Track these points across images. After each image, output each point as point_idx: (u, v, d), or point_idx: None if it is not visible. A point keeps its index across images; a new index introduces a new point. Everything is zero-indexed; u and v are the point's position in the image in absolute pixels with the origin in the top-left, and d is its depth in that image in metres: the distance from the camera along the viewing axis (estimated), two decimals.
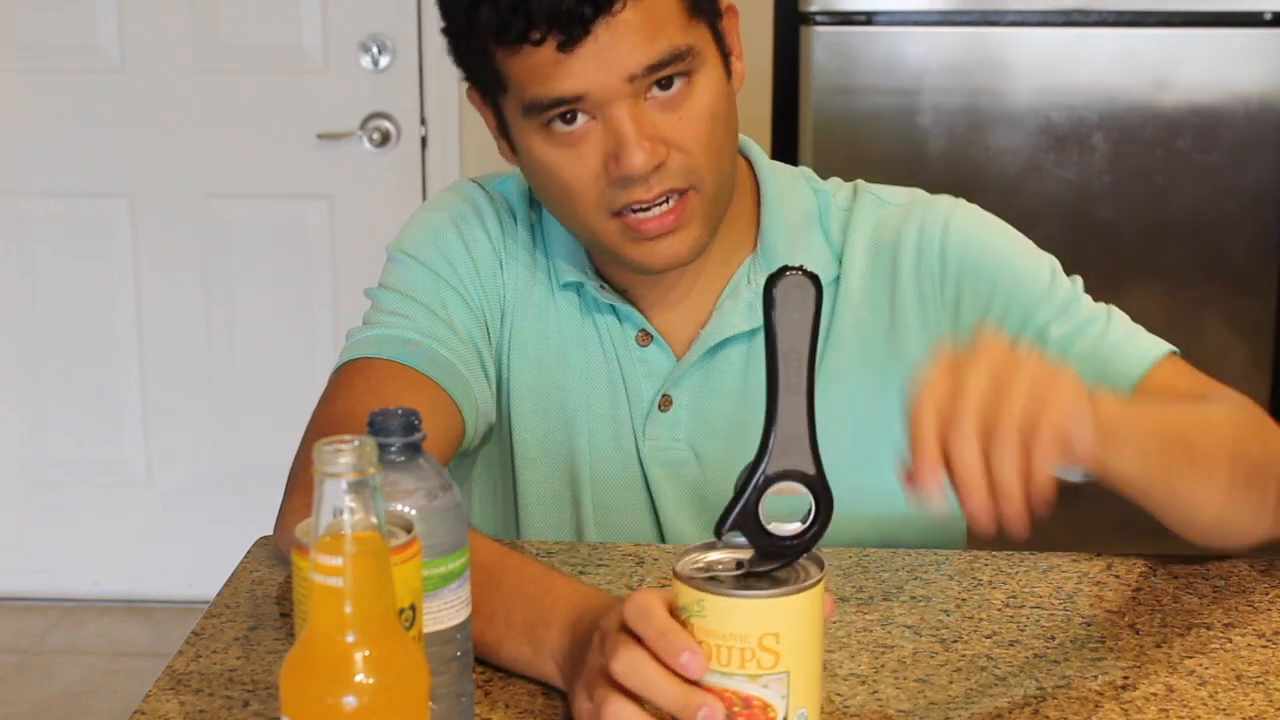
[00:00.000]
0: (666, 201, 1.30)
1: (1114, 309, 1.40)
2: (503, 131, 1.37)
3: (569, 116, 1.28)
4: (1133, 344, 1.36)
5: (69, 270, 3.30)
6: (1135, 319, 1.42)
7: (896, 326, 1.40)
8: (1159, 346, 1.36)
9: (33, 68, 3.20)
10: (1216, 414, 1.26)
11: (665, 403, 1.43)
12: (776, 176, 1.45)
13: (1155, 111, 2.76)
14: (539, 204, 1.46)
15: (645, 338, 1.43)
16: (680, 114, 1.29)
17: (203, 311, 3.30)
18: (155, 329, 3.31)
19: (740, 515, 0.93)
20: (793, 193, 1.45)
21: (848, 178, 1.49)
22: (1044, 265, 1.40)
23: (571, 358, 1.44)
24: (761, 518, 0.93)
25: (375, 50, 3.16)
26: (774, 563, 0.94)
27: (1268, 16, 2.73)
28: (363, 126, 3.18)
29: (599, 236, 1.34)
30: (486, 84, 1.34)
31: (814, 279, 0.94)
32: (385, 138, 3.18)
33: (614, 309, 1.43)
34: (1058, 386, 1.00)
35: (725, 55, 1.34)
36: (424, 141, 3.20)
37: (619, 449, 1.44)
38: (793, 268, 0.94)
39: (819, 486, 0.94)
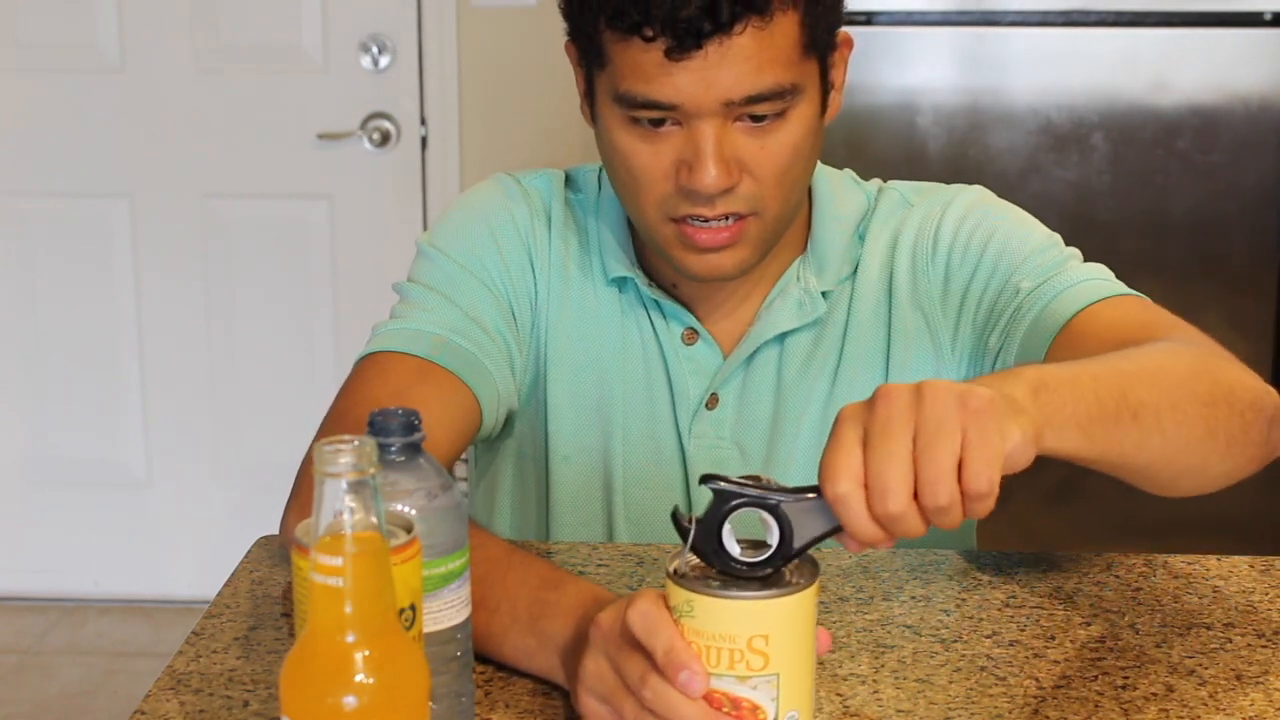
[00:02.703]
0: (725, 219, 1.31)
1: (1097, 265, 1.38)
2: (588, 96, 1.37)
3: (656, 120, 1.28)
4: (1087, 286, 1.33)
5: (69, 270, 3.30)
6: None
7: (897, 305, 1.41)
8: (1119, 289, 1.33)
9: (33, 68, 3.20)
10: (1159, 359, 1.16)
11: (712, 401, 1.43)
12: (828, 179, 1.45)
13: (1155, 111, 2.76)
14: (585, 199, 1.46)
15: (692, 335, 1.43)
16: (764, 143, 1.29)
17: (203, 311, 3.30)
18: (155, 329, 3.31)
19: (704, 528, 0.93)
20: (843, 193, 1.45)
21: None
22: (1038, 233, 1.40)
23: (609, 355, 1.44)
24: (725, 533, 0.93)
25: (375, 50, 3.16)
26: (718, 565, 0.94)
27: (1268, 16, 2.73)
28: (363, 126, 3.18)
29: (651, 231, 1.34)
30: (586, 52, 1.33)
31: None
32: (385, 138, 3.18)
33: (660, 306, 1.43)
34: (979, 417, 0.93)
35: (826, 89, 1.34)
36: (424, 141, 3.20)
37: (656, 448, 1.44)
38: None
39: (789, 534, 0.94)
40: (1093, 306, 1.31)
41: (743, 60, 1.24)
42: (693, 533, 0.93)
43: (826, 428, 1.39)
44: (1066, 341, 1.29)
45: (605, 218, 1.44)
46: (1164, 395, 1.12)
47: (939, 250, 1.40)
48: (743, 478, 0.94)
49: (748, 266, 1.35)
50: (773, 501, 0.94)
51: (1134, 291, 1.35)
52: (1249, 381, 1.22)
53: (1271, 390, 1.23)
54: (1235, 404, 1.18)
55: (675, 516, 0.94)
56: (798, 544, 0.94)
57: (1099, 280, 1.35)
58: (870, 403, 0.95)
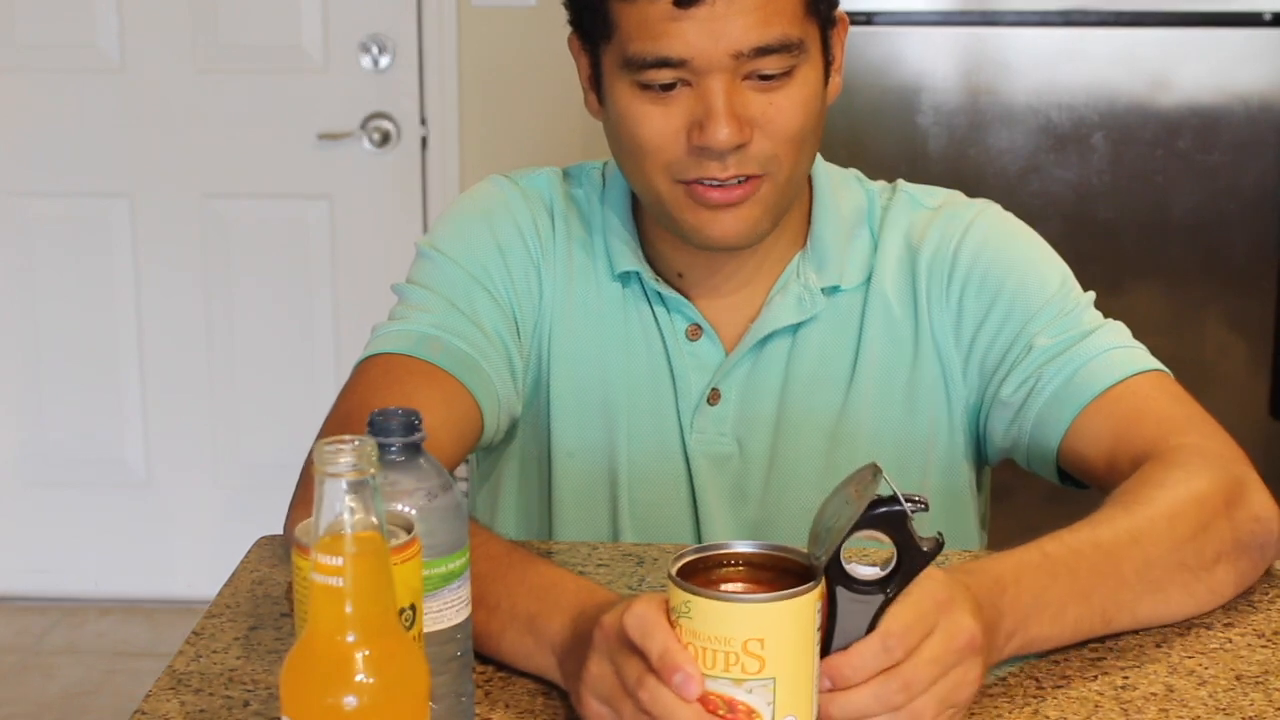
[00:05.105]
0: (738, 180, 1.31)
1: (1114, 323, 1.39)
2: (593, 83, 1.37)
3: (667, 84, 1.29)
4: (1109, 358, 1.34)
5: (69, 270, 3.30)
6: (1135, 319, 1.41)
7: (920, 328, 1.42)
8: (1139, 364, 1.34)
9: (33, 68, 3.20)
10: (1161, 534, 1.18)
11: (714, 396, 1.43)
12: (829, 174, 1.45)
13: (1155, 111, 2.76)
14: (587, 195, 1.46)
15: (696, 331, 1.43)
16: (773, 100, 1.30)
17: (203, 311, 3.30)
18: (155, 329, 3.31)
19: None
20: (845, 190, 1.45)
21: None
22: (1054, 277, 1.40)
23: (613, 352, 1.44)
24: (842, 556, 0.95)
25: (375, 50, 3.16)
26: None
27: (1268, 16, 2.73)
28: (363, 126, 3.18)
29: (661, 199, 1.34)
30: (591, 29, 1.34)
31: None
32: (385, 138, 3.18)
33: (664, 301, 1.43)
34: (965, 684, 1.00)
35: (827, 62, 1.35)
36: (424, 141, 3.20)
37: (661, 443, 1.44)
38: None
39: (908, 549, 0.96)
40: (1112, 391, 1.32)
41: (750, 11, 1.26)
42: (875, 506, 0.94)
43: (835, 438, 1.41)
44: (1085, 427, 1.33)
45: (610, 212, 1.44)
46: (1149, 589, 1.17)
47: (953, 285, 1.40)
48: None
49: (759, 232, 1.35)
50: (886, 589, 0.95)
51: (1153, 363, 1.35)
52: (1258, 517, 1.24)
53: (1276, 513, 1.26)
54: (1237, 557, 1.22)
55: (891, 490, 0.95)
56: (892, 591, 0.96)
57: (1120, 349, 1.35)
58: (957, 632, 0.98)
